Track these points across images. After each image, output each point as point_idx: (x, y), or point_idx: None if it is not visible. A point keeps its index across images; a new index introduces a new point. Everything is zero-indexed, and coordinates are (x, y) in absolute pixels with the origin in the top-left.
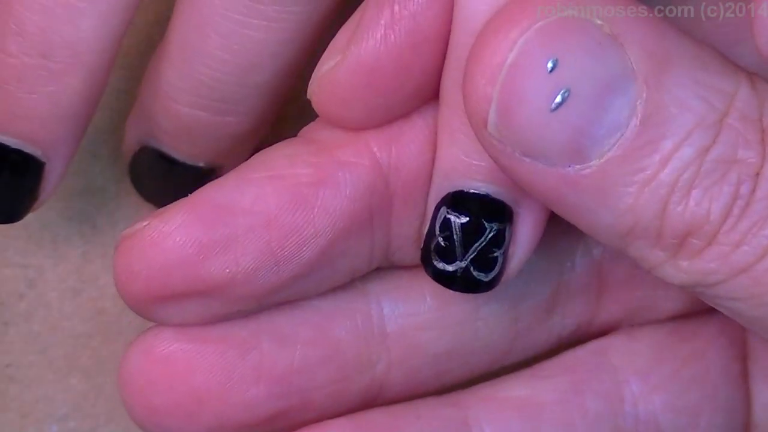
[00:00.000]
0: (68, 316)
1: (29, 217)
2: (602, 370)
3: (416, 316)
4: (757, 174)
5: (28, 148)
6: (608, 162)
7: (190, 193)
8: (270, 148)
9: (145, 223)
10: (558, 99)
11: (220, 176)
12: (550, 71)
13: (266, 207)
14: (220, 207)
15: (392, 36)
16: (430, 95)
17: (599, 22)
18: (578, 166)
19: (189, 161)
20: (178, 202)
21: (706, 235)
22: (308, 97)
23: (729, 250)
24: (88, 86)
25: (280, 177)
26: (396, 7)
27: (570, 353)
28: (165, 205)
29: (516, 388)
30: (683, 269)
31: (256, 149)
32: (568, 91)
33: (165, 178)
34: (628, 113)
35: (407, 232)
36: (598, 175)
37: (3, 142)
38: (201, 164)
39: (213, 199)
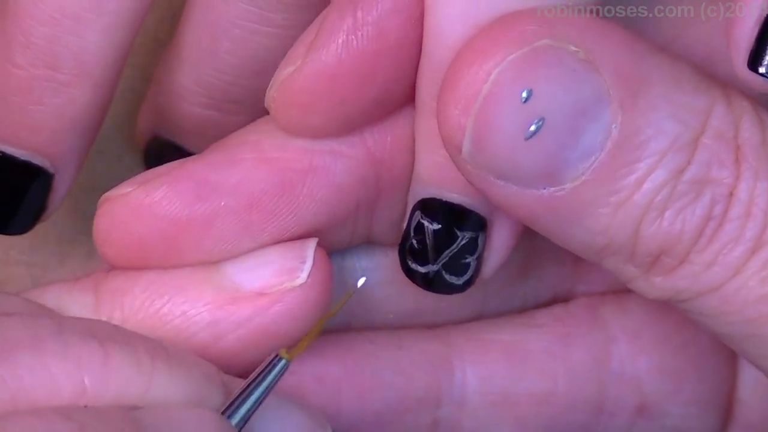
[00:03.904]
0: None
1: None
2: (593, 325)
3: (377, 271)
4: (731, 194)
5: (36, 160)
6: (583, 184)
7: None
8: (266, 122)
9: (128, 190)
10: (532, 128)
11: None
12: (525, 101)
13: (251, 189)
14: (204, 184)
15: (354, 42)
16: (393, 104)
17: (573, 48)
18: (552, 189)
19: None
20: (163, 172)
21: (678, 255)
22: (266, 104)
23: (700, 269)
24: (95, 98)
25: (270, 160)
26: (359, 14)
27: (562, 306)
28: None
29: (505, 332)
30: (656, 285)
31: None
32: (542, 120)
33: None
34: (603, 138)
35: (391, 217)
36: (573, 197)
37: (12, 153)
38: None
39: (198, 175)
